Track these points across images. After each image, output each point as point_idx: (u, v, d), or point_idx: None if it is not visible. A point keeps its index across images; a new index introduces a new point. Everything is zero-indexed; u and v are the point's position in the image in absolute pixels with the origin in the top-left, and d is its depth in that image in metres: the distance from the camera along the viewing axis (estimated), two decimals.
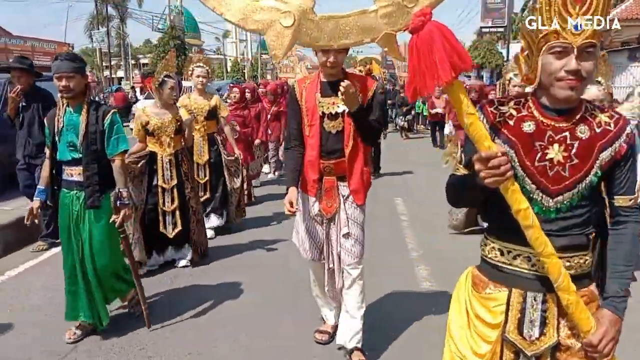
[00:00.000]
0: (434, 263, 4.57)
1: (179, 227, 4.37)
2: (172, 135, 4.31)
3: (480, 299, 1.58)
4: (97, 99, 14.25)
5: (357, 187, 2.81)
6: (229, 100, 7.11)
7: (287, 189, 2.75)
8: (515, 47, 23.62)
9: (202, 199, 5.00)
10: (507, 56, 23.52)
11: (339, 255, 2.88)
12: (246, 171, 6.02)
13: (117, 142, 3.12)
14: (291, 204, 2.67)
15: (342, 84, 2.53)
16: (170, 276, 4.36)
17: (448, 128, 8.29)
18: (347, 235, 2.84)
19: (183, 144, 4.49)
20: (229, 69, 51.08)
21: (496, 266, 1.56)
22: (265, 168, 8.76)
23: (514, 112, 1.49)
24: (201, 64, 5.18)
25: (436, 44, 1.27)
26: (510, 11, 26.69)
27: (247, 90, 7.45)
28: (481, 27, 28.01)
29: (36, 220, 3.19)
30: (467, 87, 8.36)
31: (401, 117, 14.66)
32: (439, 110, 11.32)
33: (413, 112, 15.38)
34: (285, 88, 9.50)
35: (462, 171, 1.57)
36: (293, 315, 3.59)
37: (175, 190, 4.33)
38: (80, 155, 3.07)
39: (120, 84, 32.39)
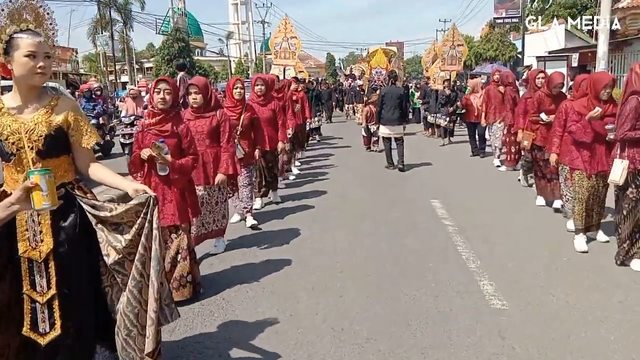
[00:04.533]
0: (497, 276, 4.01)
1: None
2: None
3: None
4: (106, 107, 12.00)
5: None
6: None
7: None
8: (530, 38, 22.93)
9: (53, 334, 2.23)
10: (522, 47, 22.83)
11: None
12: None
13: None
14: None
15: None
16: None
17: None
18: None
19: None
20: (233, 70, 50.66)
21: None
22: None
23: None
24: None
25: None
26: (524, 0, 26.08)
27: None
28: (495, 18, 27.33)
29: None
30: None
31: (444, 117, 11.82)
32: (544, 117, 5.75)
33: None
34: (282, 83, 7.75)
35: None
36: None
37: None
38: None
39: (125, 88, 32.12)
